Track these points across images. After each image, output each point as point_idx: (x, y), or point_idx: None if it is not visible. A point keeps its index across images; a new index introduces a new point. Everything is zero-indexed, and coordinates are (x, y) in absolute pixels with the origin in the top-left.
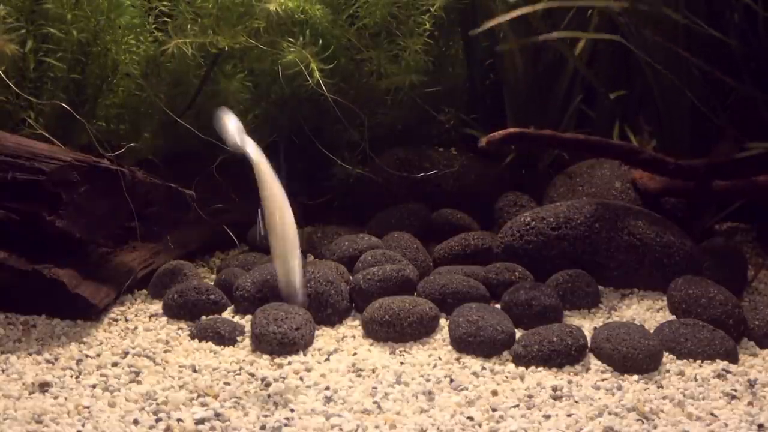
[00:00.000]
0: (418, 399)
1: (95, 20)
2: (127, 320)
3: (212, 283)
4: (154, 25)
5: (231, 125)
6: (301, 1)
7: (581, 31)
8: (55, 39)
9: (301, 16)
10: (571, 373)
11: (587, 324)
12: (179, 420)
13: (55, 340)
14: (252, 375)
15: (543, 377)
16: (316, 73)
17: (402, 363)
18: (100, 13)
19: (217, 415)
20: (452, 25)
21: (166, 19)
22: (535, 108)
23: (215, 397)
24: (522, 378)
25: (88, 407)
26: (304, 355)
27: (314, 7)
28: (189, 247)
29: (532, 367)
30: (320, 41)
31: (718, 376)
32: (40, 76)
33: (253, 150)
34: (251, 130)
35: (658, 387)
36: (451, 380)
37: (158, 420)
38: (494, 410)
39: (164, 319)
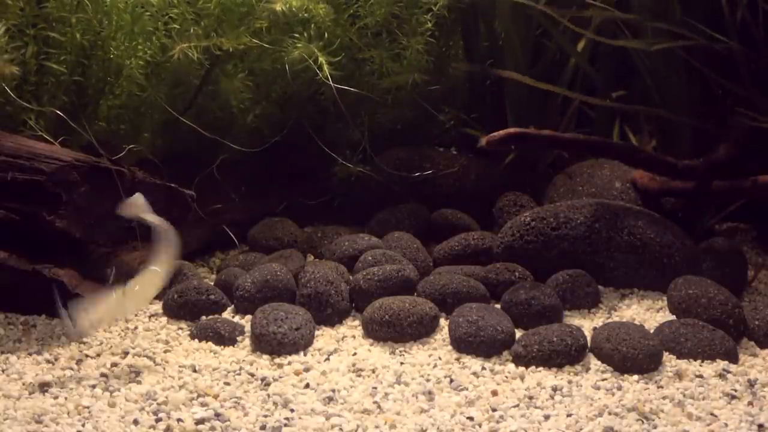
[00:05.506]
0: (418, 399)
1: (98, 24)
2: (127, 320)
3: (212, 283)
4: (163, 30)
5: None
6: (305, 0)
7: (581, 31)
8: (57, 42)
9: (305, 14)
10: (571, 373)
11: (587, 324)
12: (179, 420)
13: (55, 340)
14: (252, 375)
15: (543, 377)
16: (326, 67)
17: (402, 363)
18: (106, 15)
19: (217, 415)
20: (453, 24)
21: (174, 25)
22: (535, 108)
23: (215, 397)
24: (522, 378)
25: (88, 407)
26: (304, 355)
27: (318, 6)
28: (189, 247)
29: (532, 367)
30: (323, 40)
31: (718, 376)
32: (42, 78)
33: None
34: (252, 130)
35: (658, 387)
36: (451, 380)
37: (158, 420)
38: (494, 410)
39: (164, 319)
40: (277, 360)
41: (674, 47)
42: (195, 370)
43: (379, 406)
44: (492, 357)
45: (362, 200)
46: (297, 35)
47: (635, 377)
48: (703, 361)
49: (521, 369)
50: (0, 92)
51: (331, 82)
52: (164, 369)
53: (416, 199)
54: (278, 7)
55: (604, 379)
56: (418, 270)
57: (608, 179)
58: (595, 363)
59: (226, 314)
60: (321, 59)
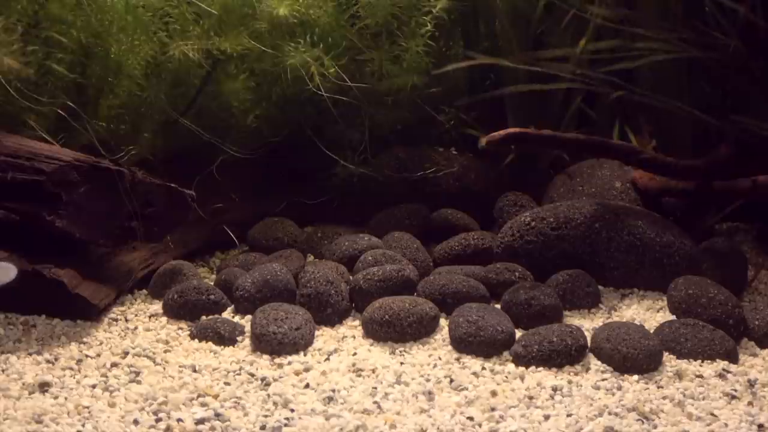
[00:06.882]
0: (418, 399)
1: (97, 22)
2: (127, 320)
3: (212, 283)
4: (163, 30)
5: None
6: (296, 5)
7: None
8: (57, 41)
9: (295, 21)
10: (571, 373)
11: (587, 324)
12: (179, 420)
13: (55, 340)
14: (252, 375)
15: (543, 377)
16: (316, 78)
17: (402, 363)
18: (106, 14)
19: (217, 415)
20: (453, 26)
21: (172, 23)
22: (535, 108)
23: (215, 397)
24: (522, 378)
25: (88, 407)
26: (304, 355)
27: (309, 12)
28: (189, 247)
29: (532, 367)
30: (321, 43)
31: (718, 376)
32: (42, 77)
33: None
34: (252, 131)
35: (658, 387)
36: (451, 380)
37: (158, 420)
38: (494, 410)
39: (164, 319)
40: (277, 360)
41: (674, 46)
42: (195, 370)
43: (379, 406)
44: (492, 357)
45: (362, 200)
46: (293, 43)
47: (635, 377)
48: (703, 361)
49: (521, 369)
50: (1, 91)
51: (323, 92)
52: (164, 369)
53: (416, 199)
54: (279, 11)
55: (604, 379)
56: (418, 270)
57: (608, 179)
58: (595, 363)
59: (226, 314)
60: (313, 69)
